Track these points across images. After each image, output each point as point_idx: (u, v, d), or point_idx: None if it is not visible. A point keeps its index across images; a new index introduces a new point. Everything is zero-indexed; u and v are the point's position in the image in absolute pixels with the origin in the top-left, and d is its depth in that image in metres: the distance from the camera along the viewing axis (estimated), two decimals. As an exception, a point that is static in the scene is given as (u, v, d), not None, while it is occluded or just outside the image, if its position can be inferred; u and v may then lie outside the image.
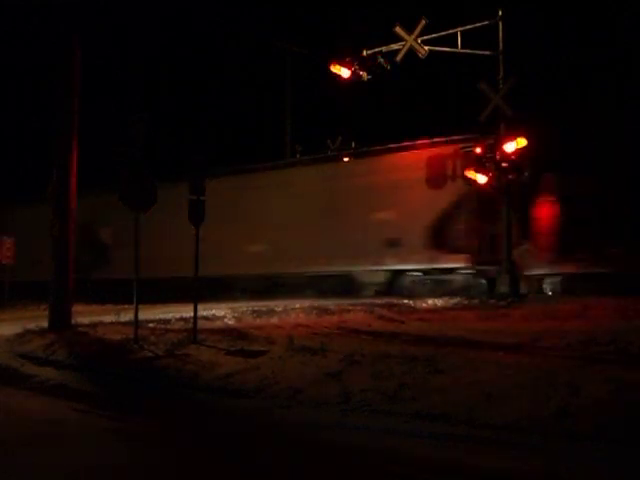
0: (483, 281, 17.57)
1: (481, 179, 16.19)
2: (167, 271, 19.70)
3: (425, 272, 18.22)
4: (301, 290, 18.85)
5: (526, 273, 16.84)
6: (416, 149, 19.11)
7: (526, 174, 16.09)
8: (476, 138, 17.12)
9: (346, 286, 18.72)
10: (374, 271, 18.63)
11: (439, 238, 17.80)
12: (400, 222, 18.16)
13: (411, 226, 17.92)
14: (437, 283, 18.08)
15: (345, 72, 16.92)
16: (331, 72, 17.20)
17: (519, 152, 15.76)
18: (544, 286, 17.27)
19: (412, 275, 18.44)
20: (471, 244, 17.56)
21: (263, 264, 20.04)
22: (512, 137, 15.73)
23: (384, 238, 18.23)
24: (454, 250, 17.59)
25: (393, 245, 18.07)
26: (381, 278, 18.52)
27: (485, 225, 17.55)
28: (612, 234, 16.91)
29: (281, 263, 19.84)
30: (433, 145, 19.01)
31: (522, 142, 15.62)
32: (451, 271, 17.94)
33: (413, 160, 18.74)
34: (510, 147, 15.72)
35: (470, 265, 17.50)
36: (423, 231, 17.82)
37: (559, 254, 17.00)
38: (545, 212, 17.55)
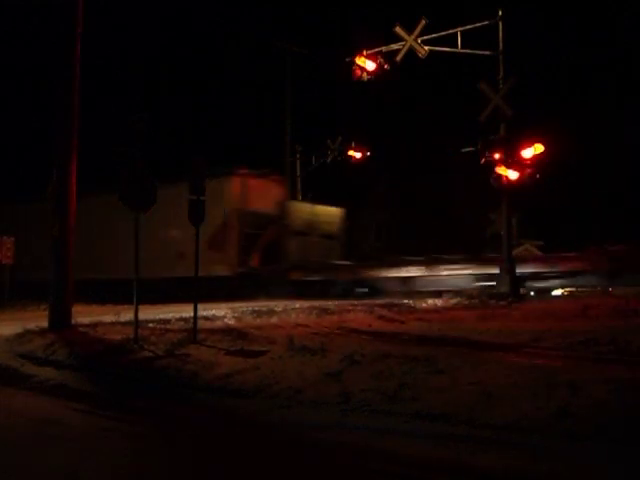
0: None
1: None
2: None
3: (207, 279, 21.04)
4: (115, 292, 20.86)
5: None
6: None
7: (526, 174, 16.10)
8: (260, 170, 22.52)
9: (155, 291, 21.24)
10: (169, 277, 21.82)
11: (213, 251, 21.33)
12: (187, 238, 21.21)
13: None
14: (218, 287, 20.74)
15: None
16: (332, 72, 17.26)
17: (520, 152, 15.83)
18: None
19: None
20: (232, 256, 21.99)
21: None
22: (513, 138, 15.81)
23: (175, 251, 21.86)
24: (221, 261, 21.65)
25: (182, 257, 21.36)
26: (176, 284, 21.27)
27: (246, 241, 22.12)
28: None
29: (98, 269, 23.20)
30: (214, 176, 22.71)
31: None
32: (229, 278, 21.75)
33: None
34: (511, 147, 15.77)
35: (232, 273, 21.64)
36: (203, 245, 20.87)
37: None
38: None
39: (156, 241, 22.15)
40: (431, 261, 19.97)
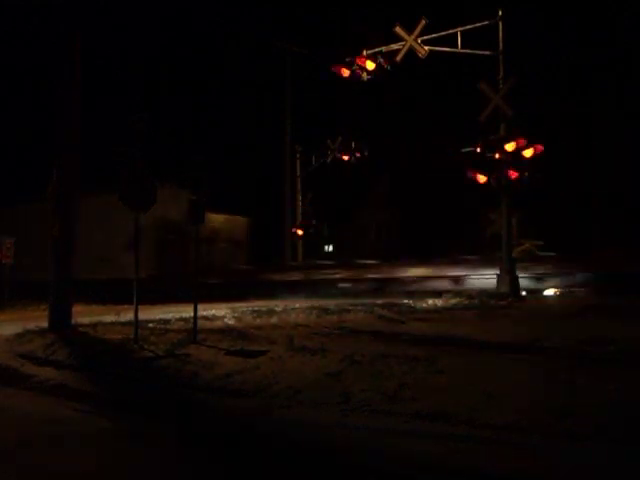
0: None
1: (481, 179, 16.16)
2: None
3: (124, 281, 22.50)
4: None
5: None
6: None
7: (526, 174, 16.08)
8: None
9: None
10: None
11: (132, 256, 22.21)
12: (111, 244, 23.97)
13: (116, 247, 23.26)
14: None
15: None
16: (332, 72, 17.23)
17: (520, 152, 15.78)
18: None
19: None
20: (148, 260, 22.93)
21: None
22: (514, 138, 15.75)
23: (99, 256, 23.86)
24: (139, 264, 22.93)
25: (105, 261, 23.81)
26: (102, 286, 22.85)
27: (162, 247, 24.32)
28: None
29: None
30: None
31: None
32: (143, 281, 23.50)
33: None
34: (511, 147, 15.73)
35: (150, 276, 22.58)
36: (123, 251, 23.06)
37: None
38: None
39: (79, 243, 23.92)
40: (309, 267, 24.47)
